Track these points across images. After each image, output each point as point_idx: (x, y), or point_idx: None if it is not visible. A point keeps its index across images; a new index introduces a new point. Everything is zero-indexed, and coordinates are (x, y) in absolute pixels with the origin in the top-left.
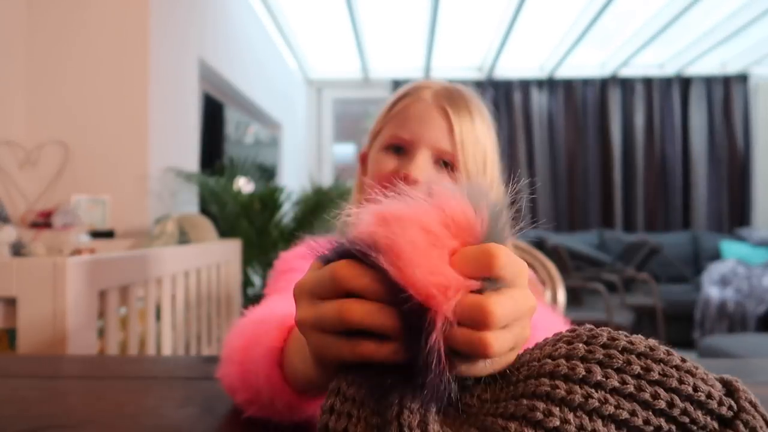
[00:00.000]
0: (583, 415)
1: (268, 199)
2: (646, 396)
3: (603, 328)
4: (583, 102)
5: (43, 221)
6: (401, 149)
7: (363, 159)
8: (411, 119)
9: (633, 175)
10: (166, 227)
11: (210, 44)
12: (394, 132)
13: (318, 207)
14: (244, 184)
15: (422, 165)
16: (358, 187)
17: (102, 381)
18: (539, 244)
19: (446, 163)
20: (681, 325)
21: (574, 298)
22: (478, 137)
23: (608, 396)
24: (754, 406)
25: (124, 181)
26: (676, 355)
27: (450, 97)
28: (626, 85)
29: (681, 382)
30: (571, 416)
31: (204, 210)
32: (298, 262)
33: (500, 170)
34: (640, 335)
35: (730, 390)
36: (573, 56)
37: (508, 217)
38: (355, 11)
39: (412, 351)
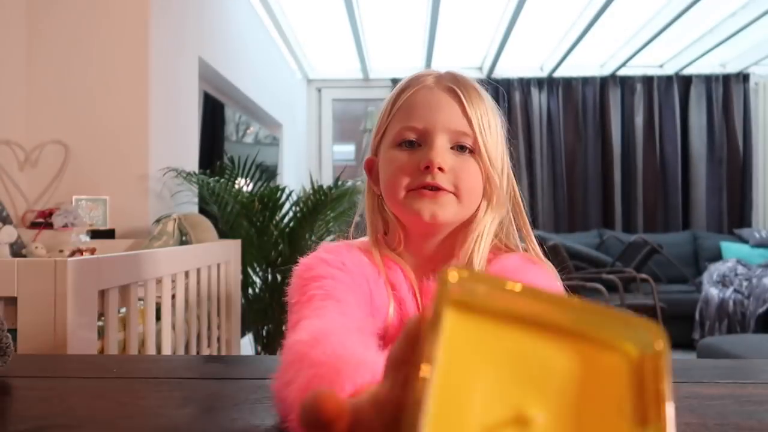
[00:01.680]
0: None
1: (268, 199)
2: None
3: None
4: (582, 102)
5: (43, 221)
6: (414, 143)
7: (369, 167)
8: (419, 107)
9: (633, 175)
10: (166, 227)
11: (210, 44)
12: (404, 124)
13: (318, 207)
14: (244, 184)
15: (443, 151)
16: (370, 199)
17: (102, 381)
18: (539, 244)
19: (462, 147)
20: (681, 325)
21: None
22: (490, 116)
23: None
24: None
25: (124, 181)
26: None
27: (455, 80)
28: (626, 84)
29: None
30: None
31: (204, 210)
32: (321, 267)
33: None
34: None
35: None
36: (573, 56)
37: None
38: (355, 11)
39: None
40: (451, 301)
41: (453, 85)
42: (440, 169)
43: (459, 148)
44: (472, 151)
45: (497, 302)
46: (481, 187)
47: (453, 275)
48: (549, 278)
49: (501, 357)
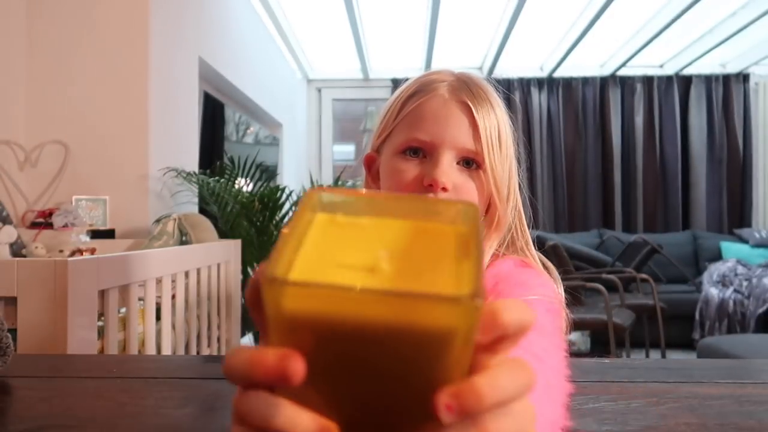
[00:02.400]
0: None
1: (268, 199)
2: None
3: None
4: (582, 102)
5: (43, 221)
6: (419, 151)
7: (369, 163)
8: (428, 118)
9: (633, 175)
10: (166, 227)
11: (210, 44)
12: (410, 134)
13: None
14: (244, 184)
15: (448, 168)
16: None
17: (102, 381)
18: (539, 244)
19: (468, 162)
20: (681, 325)
21: (574, 298)
22: (500, 129)
23: None
24: None
25: (124, 181)
26: None
27: (470, 92)
28: (626, 84)
29: None
30: None
31: (204, 210)
32: None
33: (515, 153)
34: None
35: None
36: (573, 56)
37: None
38: (355, 11)
39: None
40: (314, 204)
41: (467, 99)
42: (443, 189)
43: (465, 162)
44: (478, 166)
45: (353, 205)
46: (483, 204)
47: (316, 193)
48: (543, 281)
49: (360, 236)
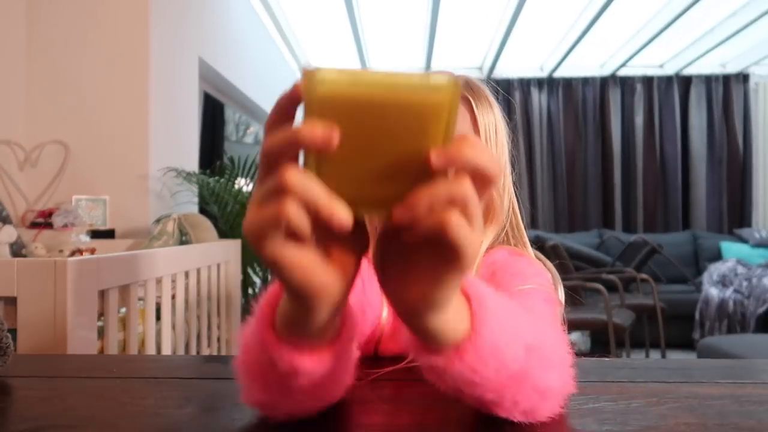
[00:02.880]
0: None
1: None
2: None
3: None
4: (582, 102)
5: (43, 221)
6: None
7: None
8: None
9: (633, 175)
10: (166, 227)
11: (210, 44)
12: None
13: None
14: (244, 184)
15: None
16: None
17: (102, 381)
18: (539, 244)
19: None
20: (681, 325)
21: (574, 298)
22: (498, 128)
23: None
24: None
25: (124, 181)
26: None
27: (469, 88)
28: (626, 84)
29: None
30: None
31: (204, 210)
32: None
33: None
34: None
35: None
36: (573, 56)
37: None
38: (355, 11)
39: None
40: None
41: (466, 93)
42: None
43: None
44: None
45: (356, 86)
46: None
47: (320, 74)
48: (537, 270)
49: (361, 117)
